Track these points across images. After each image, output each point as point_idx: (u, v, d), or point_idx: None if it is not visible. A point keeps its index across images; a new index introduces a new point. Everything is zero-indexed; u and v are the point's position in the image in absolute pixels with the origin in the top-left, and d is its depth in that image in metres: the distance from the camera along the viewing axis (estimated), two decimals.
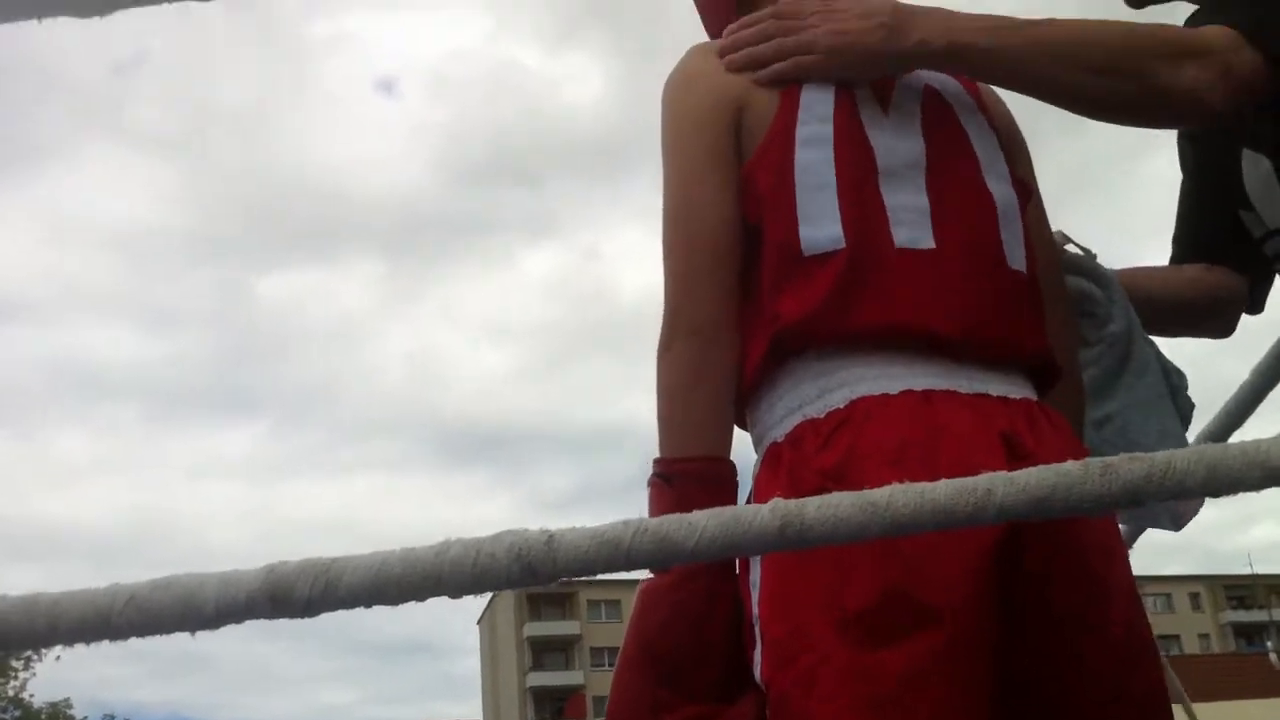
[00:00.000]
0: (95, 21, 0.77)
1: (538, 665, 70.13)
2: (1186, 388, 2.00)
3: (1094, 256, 1.97)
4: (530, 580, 0.74)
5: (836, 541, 0.77)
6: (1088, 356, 1.87)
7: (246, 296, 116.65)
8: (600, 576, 0.79)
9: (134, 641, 0.74)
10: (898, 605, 1.37)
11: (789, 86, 1.62)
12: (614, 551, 0.74)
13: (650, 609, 1.51)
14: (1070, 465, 0.79)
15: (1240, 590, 74.15)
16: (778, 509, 0.76)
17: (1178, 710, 1.81)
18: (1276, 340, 2.28)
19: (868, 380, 1.49)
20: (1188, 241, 2.23)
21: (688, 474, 1.52)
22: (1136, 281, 2.06)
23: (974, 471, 0.83)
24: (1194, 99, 1.59)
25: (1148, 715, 1.47)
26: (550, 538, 0.74)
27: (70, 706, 40.04)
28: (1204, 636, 71.08)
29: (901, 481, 0.81)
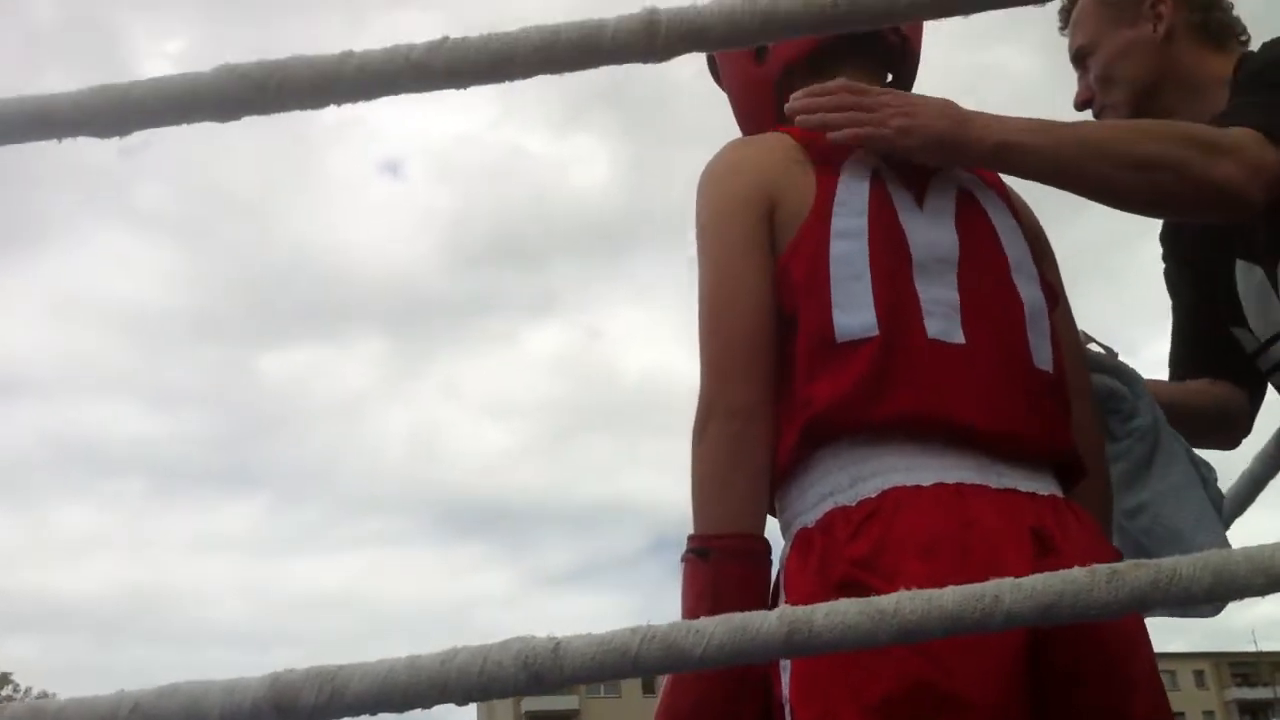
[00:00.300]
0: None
1: None
2: (1215, 480, 2.02)
3: (1115, 354, 2.00)
4: (536, 688, 0.74)
5: (845, 648, 0.76)
6: (1116, 450, 1.89)
7: (249, 374, 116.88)
8: None
9: None
10: (927, 696, 1.37)
11: (825, 178, 1.65)
12: (621, 659, 0.74)
13: (682, 690, 1.53)
14: (1077, 572, 0.79)
15: (1245, 667, 73.51)
16: (785, 616, 0.75)
17: None
18: (1277, 429, 2.30)
19: (899, 471, 1.50)
20: (1186, 361, 2.28)
21: (724, 550, 1.53)
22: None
23: (1004, 567, 0.83)
24: (1230, 192, 1.66)
25: None
26: (557, 645, 0.73)
27: None
28: (1209, 714, 70.36)
29: (930, 573, 0.81)
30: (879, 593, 0.80)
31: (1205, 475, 2.00)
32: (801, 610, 0.76)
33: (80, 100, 0.85)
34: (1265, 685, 71.81)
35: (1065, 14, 2.27)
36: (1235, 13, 2.21)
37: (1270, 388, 2.23)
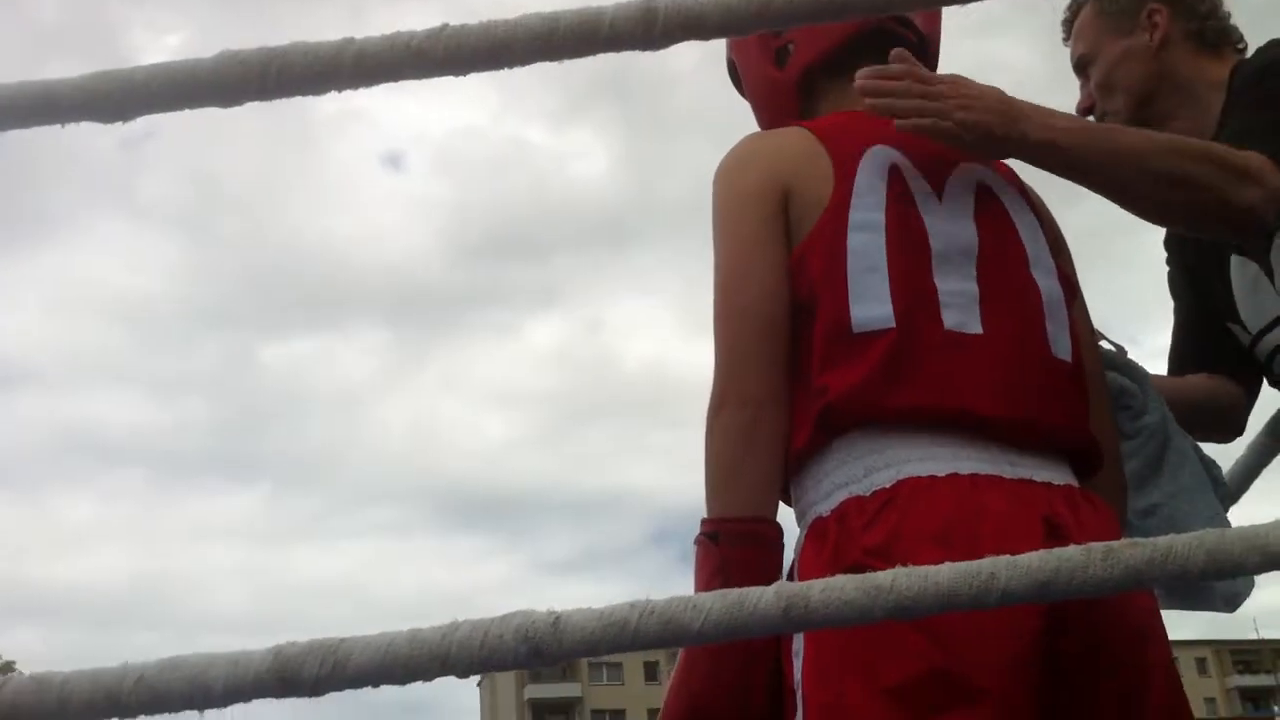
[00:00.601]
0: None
1: None
2: (1222, 477, 2.06)
3: (1125, 352, 2.03)
4: (536, 661, 0.74)
5: (841, 624, 0.77)
6: (1127, 449, 1.91)
7: (251, 364, 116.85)
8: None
9: None
10: (940, 681, 1.38)
11: (844, 171, 1.65)
12: (620, 633, 0.74)
13: (692, 672, 1.55)
14: (1073, 550, 0.80)
15: (1247, 655, 73.57)
16: (782, 592, 0.76)
17: None
18: (1269, 420, 2.32)
19: (913, 461, 1.52)
20: (1185, 356, 2.34)
21: (733, 534, 1.55)
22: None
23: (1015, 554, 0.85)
24: (1254, 216, 1.75)
25: None
26: (557, 619, 0.74)
27: None
28: (1210, 701, 70.42)
29: (943, 562, 0.82)
30: None
31: (1215, 475, 2.02)
32: (798, 586, 0.77)
33: (83, 85, 0.86)
34: (1267, 672, 71.88)
35: (1068, 25, 2.35)
36: (1232, 20, 2.28)
37: (1265, 381, 2.27)
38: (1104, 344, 2.01)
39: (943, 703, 1.38)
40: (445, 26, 0.86)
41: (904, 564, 0.80)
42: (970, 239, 1.65)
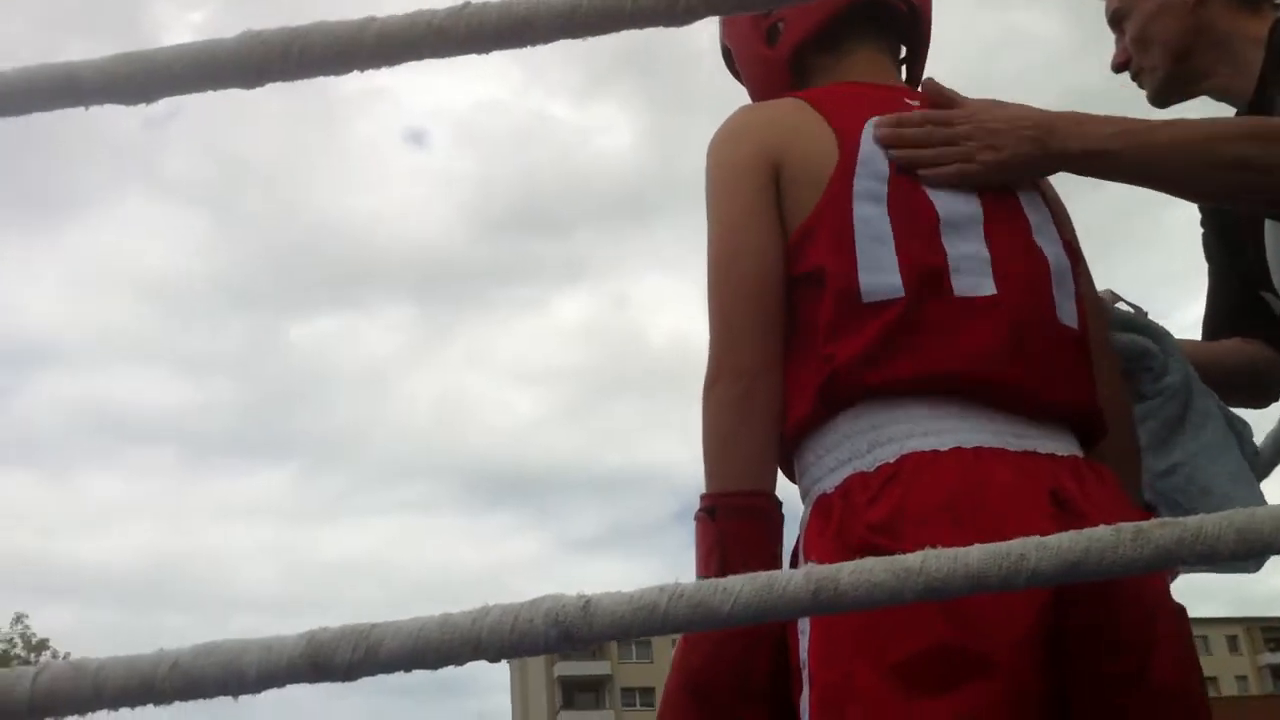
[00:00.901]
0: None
1: (568, 704, 69.80)
2: (1251, 435, 2.04)
3: (1145, 313, 2.02)
4: (567, 645, 0.75)
5: (870, 606, 0.77)
6: (1147, 409, 1.90)
7: (278, 342, 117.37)
8: None
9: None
10: (949, 655, 1.39)
11: (847, 141, 1.65)
12: (650, 616, 0.75)
13: (694, 650, 1.55)
14: (1103, 530, 0.79)
15: (1278, 633, 73.29)
16: (812, 574, 0.76)
17: None
18: None
19: (917, 436, 1.52)
20: (1218, 322, 2.32)
21: (731, 508, 1.56)
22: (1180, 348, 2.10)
23: (1022, 529, 0.85)
24: None
25: None
26: (587, 603, 0.75)
27: None
28: (1241, 678, 70.18)
29: (949, 537, 0.82)
30: None
31: (1240, 431, 2.00)
32: (827, 568, 0.77)
33: (105, 67, 0.86)
34: None
35: None
36: None
37: None
38: (1122, 305, 2.00)
39: (951, 677, 1.38)
40: (467, 4, 0.86)
41: (909, 540, 0.80)
42: (974, 207, 1.65)
